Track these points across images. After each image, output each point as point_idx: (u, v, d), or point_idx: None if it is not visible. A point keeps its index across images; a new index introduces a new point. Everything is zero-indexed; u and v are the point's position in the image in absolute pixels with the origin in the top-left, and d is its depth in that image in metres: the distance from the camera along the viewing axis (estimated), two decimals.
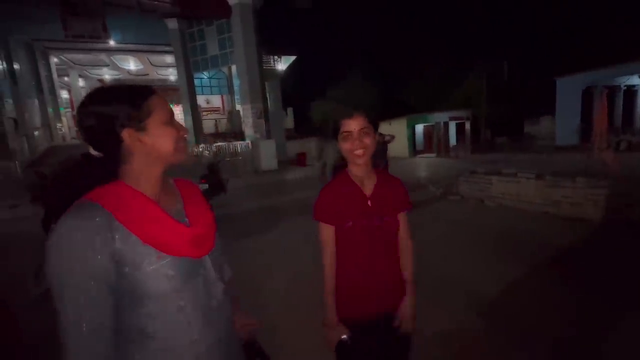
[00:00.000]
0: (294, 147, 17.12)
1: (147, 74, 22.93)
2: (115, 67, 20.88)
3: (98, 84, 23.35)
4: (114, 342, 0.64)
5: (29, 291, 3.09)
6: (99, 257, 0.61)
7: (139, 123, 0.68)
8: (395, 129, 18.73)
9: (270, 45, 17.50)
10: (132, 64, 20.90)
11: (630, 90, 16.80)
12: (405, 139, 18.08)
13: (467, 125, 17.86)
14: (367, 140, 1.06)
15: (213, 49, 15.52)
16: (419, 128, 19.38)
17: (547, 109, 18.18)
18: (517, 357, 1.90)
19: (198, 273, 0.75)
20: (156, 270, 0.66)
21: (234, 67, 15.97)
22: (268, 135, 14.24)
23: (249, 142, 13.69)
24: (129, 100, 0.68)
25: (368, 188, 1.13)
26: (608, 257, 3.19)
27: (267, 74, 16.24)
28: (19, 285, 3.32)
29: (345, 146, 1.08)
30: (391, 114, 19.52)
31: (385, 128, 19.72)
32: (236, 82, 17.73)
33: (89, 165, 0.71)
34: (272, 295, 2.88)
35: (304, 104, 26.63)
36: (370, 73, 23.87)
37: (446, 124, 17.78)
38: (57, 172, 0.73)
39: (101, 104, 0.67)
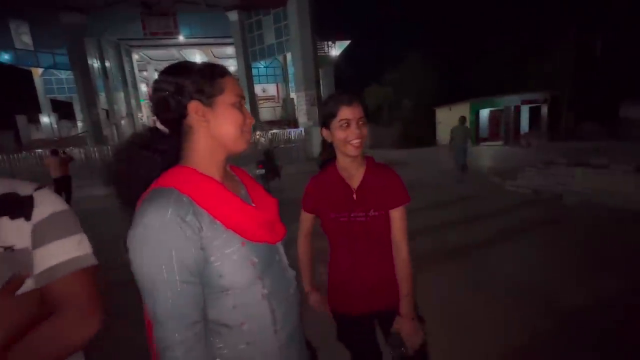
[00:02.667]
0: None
1: None
2: None
3: None
4: (203, 334, 0.63)
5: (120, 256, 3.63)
6: (192, 247, 0.60)
7: (207, 98, 0.66)
8: (457, 115, 17.29)
9: (325, 31, 17.35)
10: (198, 57, 22.63)
11: None
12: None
13: (544, 109, 15.65)
14: (365, 131, 1.01)
15: (270, 38, 15.96)
16: (484, 113, 17.59)
17: None
18: None
19: (275, 260, 0.75)
20: (242, 256, 0.65)
21: (289, 55, 16.25)
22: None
23: (302, 129, 13.94)
24: (202, 73, 0.67)
25: (356, 180, 1.07)
26: None
27: (321, 61, 16.21)
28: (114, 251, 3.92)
29: (341, 135, 1.00)
30: (452, 98, 18.02)
31: (444, 113, 18.35)
32: (291, 70, 18.04)
33: (153, 139, 0.70)
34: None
35: (358, 90, 26.09)
36: (429, 54, 22.23)
37: (517, 108, 15.82)
38: (123, 146, 0.71)
39: (174, 74, 0.67)
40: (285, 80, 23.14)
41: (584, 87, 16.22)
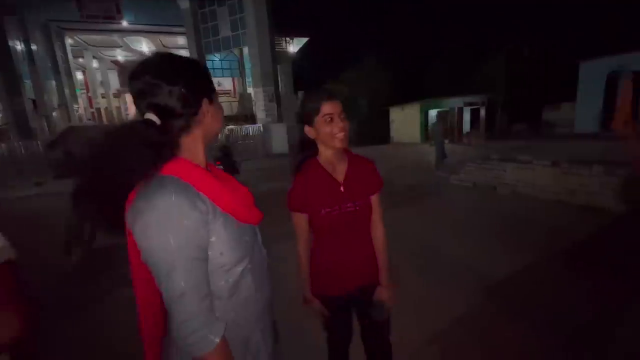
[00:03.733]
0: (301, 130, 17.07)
1: None
2: (128, 49, 20.96)
3: (112, 66, 23.58)
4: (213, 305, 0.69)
5: (61, 263, 3.32)
6: (201, 228, 0.65)
7: (211, 94, 0.75)
8: (408, 114, 18.43)
9: (283, 26, 17.18)
10: (144, 46, 20.92)
11: None
12: (417, 125, 17.78)
13: (482, 111, 17.39)
14: (347, 124, 1.07)
15: (225, 30, 15.38)
16: (432, 113, 18.96)
17: (568, 95, 17.45)
18: (520, 332, 1.98)
19: (256, 239, 0.84)
20: (238, 236, 0.73)
21: (245, 49, 15.83)
22: (279, 119, 14.24)
23: (261, 125, 13.73)
24: (203, 72, 0.74)
25: (340, 173, 1.13)
26: (622, 247, 3.18)
27: (279, 57, 16.05)
28: (51, 258, 3.56)
29: (326, 129, 1.05)
30: (404, 99, 19.12)
31: (397, 113, 19.39)
32: (247, 65, 17.61)
33: (148, 132, 0.66)
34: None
35: (316, 87, 26.28)
36: (383, 56, 23.26)
37: (460, 110, 17.36)
38: (110, 136, 0.67)
39: (187, 69, 0.70)
40: (242, 74, 22.48)
41: (514, 93, 18.38)
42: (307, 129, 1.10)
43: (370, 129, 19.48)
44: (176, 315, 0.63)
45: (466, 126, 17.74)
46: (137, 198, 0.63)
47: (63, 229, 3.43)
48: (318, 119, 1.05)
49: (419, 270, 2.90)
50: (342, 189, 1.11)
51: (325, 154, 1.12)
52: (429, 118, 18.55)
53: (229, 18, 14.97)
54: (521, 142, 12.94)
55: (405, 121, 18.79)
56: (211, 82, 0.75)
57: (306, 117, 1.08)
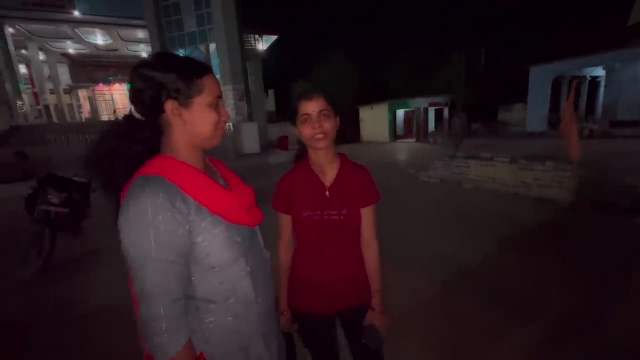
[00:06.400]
0: (276, 130, 16.93)
1: (117, 49, 21.44)
2: (80, 41, 19.32)
3: (61, 59, 21.60)
4: (188, 308, 0.68)
5: (16, 274, 3.02)
6: (180, 230, 0.64)
7: (185, 99, 0.69)
8: (377, 114, 18.95)
9: (252, 23, 16.85)
10: (99, 38, 19.41)
11: (594, 81, 17.88)
12: (386, 124, 18.36)
13: (446, 111, 18.40)
14: (327, 124, 0.97)
15: (190, 25, 14.74)
16: (400, 113, 19.69)
17: (520, 97, 19.00)
18: (492, 316, 2.16)
19: (254, 241, 0.83)
20: (227, 237, 0.71)
21: (212, 46, 15.31)
22: (250, 118, 13.97)
23: (231, 124, 13.38)
24: (182, 73, 0.68)
25: (329, 177, 1.05)
26: (572, 234, 3.57)
27: (248, 54, 15.72)
28: (2, 271, 3.23)
29: (304, 130, 0.99)
30: (373, 98, 19.64)
31: (367, 112, 19.86)
32: (215, 61, 17.07)
33: (132, 127, 0.71)
34: None
35: (286, 86, 26.12)
36: (353, 56, 23.69)
37: (425, 110, 18.20)
38: (102, 136, 0.72)
39: (155, 69, 0.67)
40: None
41: (472, 94, 19.65)
42: (295, 129, 1.04)
43: (340, 128, 19.72)
44: (142, 315, 0.63)
45: (431, 125, 18.64)
46: (126, 195, 0.65)
47: (19, 238, 3.12)
48: (297, 120, 1.00)
49: (392, 260, 3.03)
50: (327, 193, 1.03)
51: (312, 155, 1.06)
52: (397, 118, 19.27)
53: (194, 12, 14.35)
54: (480, 140, 13.90)
55: (374, 120, 19.30)
56: (189, 85, 0.69)
57: (292, 117, 1.04)
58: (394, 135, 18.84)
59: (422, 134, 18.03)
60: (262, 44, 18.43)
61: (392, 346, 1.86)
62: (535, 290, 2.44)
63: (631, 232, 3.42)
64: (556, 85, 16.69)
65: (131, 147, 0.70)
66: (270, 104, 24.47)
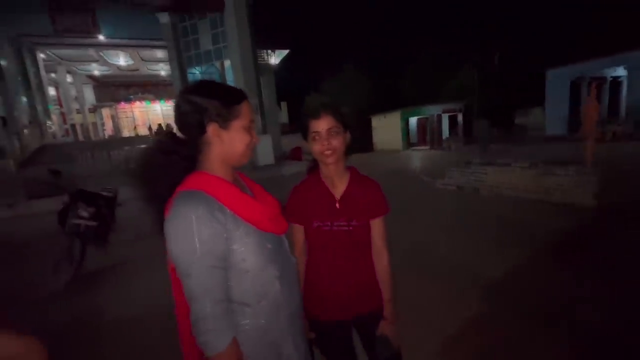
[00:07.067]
0: (289, 142, 17.18)
1: (137, 69, 22.58)
2: (105, 63, 20.51)
3: (87, 81, 22.92)
4: (229, 310, 0.75)
5: (48, 286, 3.18)
6: (219, 237, 0.71)
7: (224, 121, 0.78)
8: (390, 122, 18.91)
9: (264, 39, 17.40)
10: (122, 59, 20.55)
11: (615, 82, 17.27)
12: (399, 132, 18.28)
13: (460, 118, 18.15)
14: (335, 141, 1.02)
15: (206, 44, 15.36)
16: (413, 121, 19.58)
17: (537, 101, 18.55)
18: (518, 326, 2.09)
19: (282, 248, 0.89)
20: (258, 243, 0.78)
21: (227, 62, 15.88)
22: (264, 131, 14.27)
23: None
24: (223, 99, 0.78)
25: (339, 190, 1.09)
26: (598, 240, 3.42)
27: (261, 69, 16.19)
28: (36, 281, 3.40)
29: (314, 147, 1.04)
30: (386, 107, 19.67)
31: (379, 121, 19.86)
32: (229, 77, 17.67)
33: (175, 144, 0.80)
34: None
35: (299, 98, 26.60)
36: (364, 66, 23.95)
37: (439, 116, 18.03)
38: (147, 151, 0.82)
39: (199, 94, 0.77)
40: None
41: (487, 99, 19.36)
42: (307, 143, 1.09)
43: (353, 137, 19.81)
44: (192, 314, 0.71)
45: (445, 132, 18.41)
46: (170, 207, 0.72)
47: (50, 251, 3.30)
48: (308, 137, 1.06)
49: (415, 269, 2.99)
50: (337, 205, 1.07)
51: (323, 169, 1.11)
52: (410, 125, 19.16)
53: (210, 32, 14.99)
54: (496, 146, 13.61)
55: (387, 129, 19.25)
56: (229, 110, 0.78)
57: (302, 133, 1.09)
58: (408, 143, 18.69)
59: (436, 141, 17.81)
60: (275, 58, 18.94)
61: (414, 354, 1.85)
62: (560, 298, 2.35)
63: None
64: (575, 87, 16.22)
65: (173, 162, 0.78)
66: (283, 116, 24.94)
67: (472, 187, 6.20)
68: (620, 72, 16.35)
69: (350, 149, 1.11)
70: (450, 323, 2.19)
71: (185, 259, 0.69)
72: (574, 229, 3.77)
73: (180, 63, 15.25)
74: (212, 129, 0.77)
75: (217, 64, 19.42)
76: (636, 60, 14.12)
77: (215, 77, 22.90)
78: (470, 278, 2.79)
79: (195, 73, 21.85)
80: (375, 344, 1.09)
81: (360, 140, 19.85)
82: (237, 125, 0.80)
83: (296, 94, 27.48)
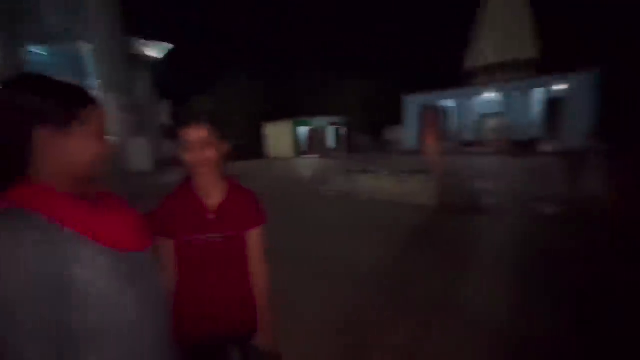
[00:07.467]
0: (173, 145, 15.37)
1: None
2: None
3: None
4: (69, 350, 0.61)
5: None
6: (53, 263, 0.58)
7: (61, 127, 0.64)
8: (282, 131, 19.51)
9: (139, 27, 15.16)
10: None
11: (449, 110, 23.06)
12: (290, 141, 19.06)
13: (343, 130, 20.46)
14: (209, 152, 0.99)
15: (52, 17, 12.20)
16: (303, 130, 20.80)
17: (399, 120, 22.84)
18: (390, 310, 2.52)
19: (143, 268, 0.79)
20: (110, 266, 0.67)
21: (87, 46, 13.02)
22: (138, 132, 12.35)
23: (112, 139, 11.52)
24: (62, 99, 0.64)
25: (214, 201, 1.04)
26: (443, 230, 4.49)
27: (137, 61, 14.01)
28: None
29: (186, 157, 1.00)
30: (278, 115, 20.20)
31: (271, 129, 20.21)
32: (89, 64, 14.53)
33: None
34: None
35: (187, 99, 24.19)
36: (257, 71, 23.94)
37: (326, 129, 19.82)
38: None
39: (28, 90, 0.62)
40: (82, 76, 18.21)
41: (365, 116, 22.58)
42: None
43: (245, 144, 19.51)
44: None
45: (331, 143, 20.36)
46: None
47: None
48: (181, 145, 1.01)
49: (293, 267, 3.20)
50: (211, 217, 1.02)
51: (196, 179, 1.04)
52: (301, 135, 20.29)
53: (59, 1, 11.97)
54: (369, 156, 15.99)
55: (279, 137, 19.78)
56: (68, 114, 0.65)
57: (180, 140, 1.04)
58: (299, 151, 19.69)
59: (323, 151, 19.45)
60: (156, 52, 16.74)
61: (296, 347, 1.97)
62: (408, 275, 2.97)
63: (473, 227, 4.55)
64: (423, 111, 20.83)
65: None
66: (165, 116, 22.12)
67: (352, 192, 7.09)
68: (449, 103, 21.90)
69: (232, 157, 1.10)
70: (334, 304, 2.44)
71: (6, 294, 0.54)
72: (422, 222, 4.84)
73: (11, 35, 11.59)
74: (42, 134, 0.63)
75: (72, 46, 15.69)
76: (462, 95, 19.27)
77: (71, 63, 18.46)
78: (345, 269, 3.19)
79: (42, 54, 17.03)
80: (251, 357, 1.07)
81: (253, 147, 19.70)
82: (81, 132, 0.67)
83: (186, 93, 24.88)
